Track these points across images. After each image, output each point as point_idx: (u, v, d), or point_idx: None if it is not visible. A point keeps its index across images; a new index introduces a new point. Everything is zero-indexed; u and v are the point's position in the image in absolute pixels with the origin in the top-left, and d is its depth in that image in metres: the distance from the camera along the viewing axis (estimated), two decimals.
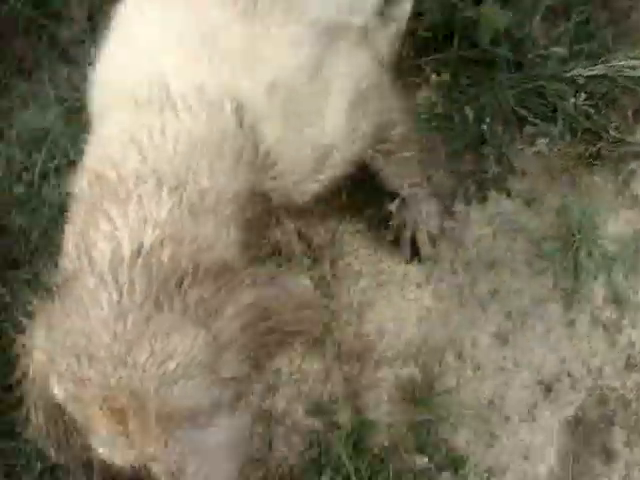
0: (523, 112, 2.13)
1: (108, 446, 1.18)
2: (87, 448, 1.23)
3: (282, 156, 1.37)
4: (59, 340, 1.15)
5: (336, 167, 1.52)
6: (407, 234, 2.03)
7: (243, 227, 1.27)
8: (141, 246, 1.15)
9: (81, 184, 1.26)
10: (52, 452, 1.37)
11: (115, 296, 1.12)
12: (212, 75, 1.29)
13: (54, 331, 1.17)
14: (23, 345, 1.25)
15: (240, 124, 1.29)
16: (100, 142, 1.32)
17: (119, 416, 1.13)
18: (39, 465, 1.87)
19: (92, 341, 1.11)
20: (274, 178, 1.37)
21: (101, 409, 1.13)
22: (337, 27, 1.44)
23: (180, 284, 1.14)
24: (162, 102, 1.26)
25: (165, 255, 1.15)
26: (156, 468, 1.15)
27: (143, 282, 1.13)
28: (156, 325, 1.12)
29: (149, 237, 1.16)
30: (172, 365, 1.11)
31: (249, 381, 1.22)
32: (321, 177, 1.50)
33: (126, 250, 1.15)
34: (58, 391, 1.17)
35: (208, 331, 1.14)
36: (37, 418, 1.31)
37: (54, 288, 1.24)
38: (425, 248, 2.03)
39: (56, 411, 1.25)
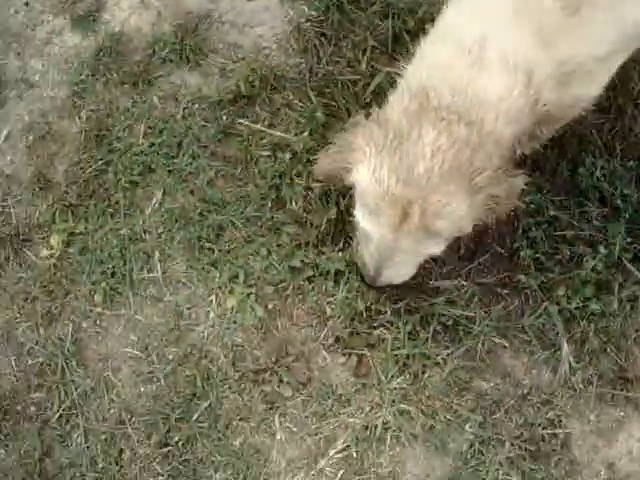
0: None
1: (377, 228, 1.87)
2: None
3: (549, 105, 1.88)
4: (384, 165, 1.80)
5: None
6: None
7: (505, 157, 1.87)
8: (452, 143, 1.77)
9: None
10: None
11: (429, 164, 1.76)
12: (518, 45, 1.77)
13: (382, 161, 1.81)
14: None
15: (528, 87, 1.78)
16: (425, 67, 1.88)
17: (401, 216, 1.79)
18: None
19: (409, 175, 1.77)
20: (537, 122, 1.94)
21: (394, 208, 1.79)
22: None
23: (470, 168, 1.77)
24: (476, 58, 1.77)
25: (467, 153, 1.76)
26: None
27: (449, 161, 1.76)
28: (449, 188, 1.77)
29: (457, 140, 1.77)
30: (446, 210, 1.79)
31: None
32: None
33: (444, 141, 1.77)
34: (366, 184, 1.84)
35: (471, 201, 1.81)
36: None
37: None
38: None
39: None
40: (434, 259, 2.30)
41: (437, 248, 1.93)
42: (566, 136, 2.43)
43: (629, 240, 2.34)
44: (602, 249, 2.32)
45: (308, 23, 2.55)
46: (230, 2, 2.59)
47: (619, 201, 2.39)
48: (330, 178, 2.09)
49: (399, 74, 1.95)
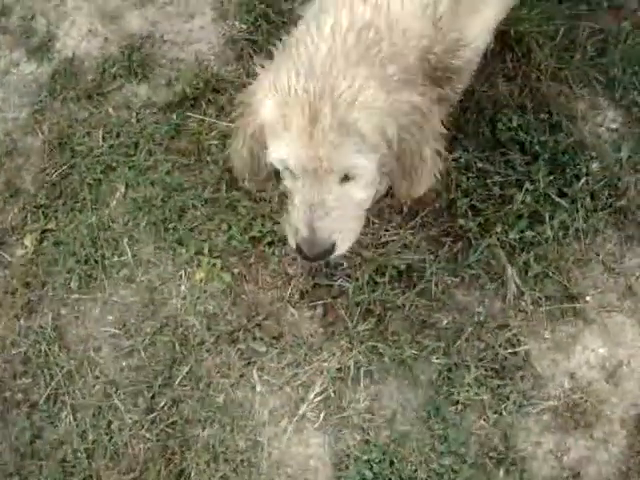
0: None
1: (290, 146, 1.75)
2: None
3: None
4: (282, 69, 1.76)
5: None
6: None
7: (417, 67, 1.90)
8: (355, 23, 1.75)
9: None
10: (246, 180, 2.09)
11: (331, 44, 1.72)
12: None
13: (280, 67, 1.79)
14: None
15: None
16: None
17: (311, 117, 1.69)
18: None
19: (310, 64, 1.71)
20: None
21: (301, 109, 1.69)
22: None
23: (378, 54, 1.75)
24: None
25: (371, 34, 1.75)
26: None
27: (352, 39, 1.73)
28: (358, 70, 1.71)
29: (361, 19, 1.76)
30: (361, 98, 1.71)
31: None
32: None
33: (345, 22, 1.75)
34: (270, 106, 1.78)
35: (387, 97, 1.75)
36: (240, 155, 1.97)
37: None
38: None
39: (253, 147, 1.90)
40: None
41: (364, 158, 1.80)
42: (482, 102, 2.73)
43: (551, 178, 2.60)
44: (528, 185, 2.58)
45: (240, 34, 2.86)
46: (169, 24, 2.91)
47: (537, 147, 2.67)
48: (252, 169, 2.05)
49: None
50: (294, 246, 1.98)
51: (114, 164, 2.64)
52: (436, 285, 2.52)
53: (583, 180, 2.60)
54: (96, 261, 2.51)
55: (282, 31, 2.79)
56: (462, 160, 2.65)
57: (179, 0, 2.96)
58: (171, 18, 2.93)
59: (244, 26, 2.87)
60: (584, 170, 2.62)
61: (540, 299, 2.49)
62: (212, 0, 2.96)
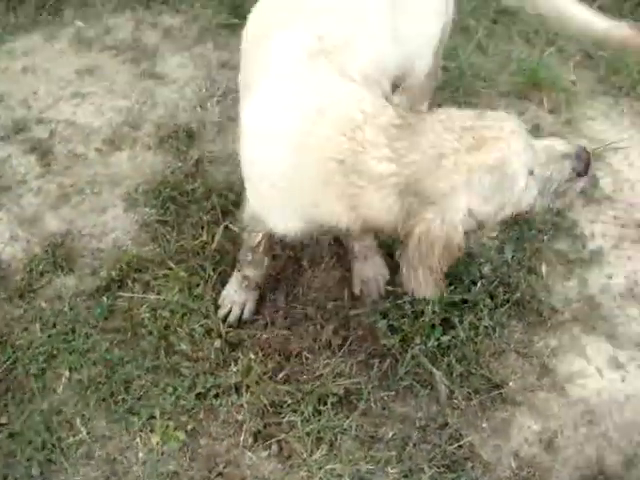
0: None
1: None
2: None
3: None
4: None
5: None
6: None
7: None
8: None
9: None
10: None
11: None
12: None
13: None
14: None
15: None
16: None
17: None
18: None
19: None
20: None
21: None
22: None
23: None
24: None
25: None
26: None
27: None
28: None
29: None
30: None
31: None
32: None
33: None
34: None
35: None
36: None
37: None
38: None
39: None
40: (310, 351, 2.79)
41: None
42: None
43: (452, 288, 2.92)
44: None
45: (152, 218, 3.14)
46: (84, 219, 3.16)
47: None
48: None
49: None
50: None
51: (55, 352, 2.77)
52: (375, 403, 2.72)
53: (479, 284, 2.94)
54: (53, 445, 2.58)
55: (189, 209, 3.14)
56: None
57: (91, 197, 3.23)
58: (86, 214, 3.18)
59: (154, 210, 3.16)
60: (478, 275, 2.96)
61: (470, 394, 2.73)
62: (121, 193, 3.25)
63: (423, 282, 2.13)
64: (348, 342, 2.87)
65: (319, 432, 2.63)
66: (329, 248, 3.14)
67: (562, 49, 3.95)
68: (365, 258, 3.00)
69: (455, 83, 3.64)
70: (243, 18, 3.84)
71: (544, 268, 3.06)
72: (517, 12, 4.11)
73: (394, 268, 2.94)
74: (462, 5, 3.99)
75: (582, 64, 3.92)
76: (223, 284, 2.97)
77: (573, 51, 3.96)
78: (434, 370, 2.75)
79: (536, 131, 3.48)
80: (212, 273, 2.98)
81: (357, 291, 3.01)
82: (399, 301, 2.91)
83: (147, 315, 2.86)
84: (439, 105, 3.31)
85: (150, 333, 2.83)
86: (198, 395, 2.70)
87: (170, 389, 2.70)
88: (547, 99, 3.66)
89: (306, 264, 3.12)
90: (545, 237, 3.15)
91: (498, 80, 3.75)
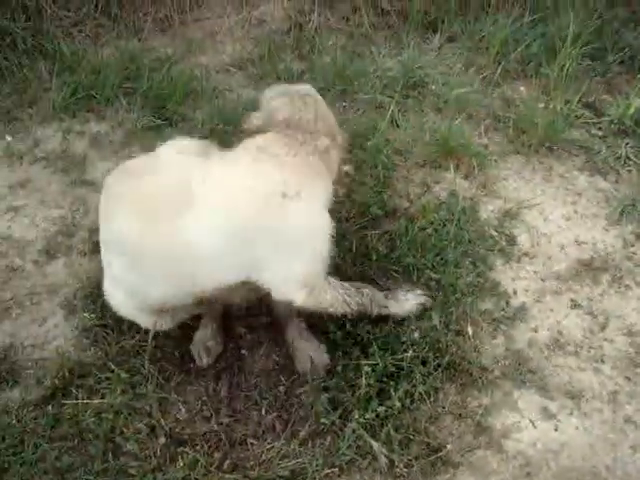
0: None
1: None
2: None
3: None
4: None
5: None
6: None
7: None
8: None
9: None
10: None
11: None
12: None
13: None
14: None
15: None
16: None
17: None
18: None
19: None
20: None
21: None
22: None
23: None
24: None
25: None
26: None
27: None
28: None
29: None
30: None
31: None
32: None
33: None
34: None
35: None
36: None
37: None
38: None
39: None
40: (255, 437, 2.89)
41: None
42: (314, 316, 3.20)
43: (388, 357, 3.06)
44: (367, 368, 3.01)
45: (91, 322, 3.24)
46: (26, 331, 3.24)
47: (368, 336, 3.14)
48: None
49: None
50: None
51: (6, 465, 2.82)
52: None
53: (411, 351, 3.06)
54: None
55: None
56: None
57: (31, 308, 3.33)
58: (27, 325, 3.27)
59: (93, 315, 3.26)
60: (409, 343, 3.09)
61: (410, 460, 2.83)
62: (60, 300, 3.35)
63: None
64: (290, 423, 2.97)
65: None
66: (266, 334, 3.26)
67: (471, 115, 4.17)
68: (301, 336, 3.14)
69: (373, 160, 3.81)
70: (166, 119, 4.11)
71: (470, 329, 3.21)
72: (426, 84, 4.35)
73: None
74: (374, 83, 4.25)
75: (492, 127, 4.15)
76: (165, 379, 3.08)
77: (482, 115, 4.19)
78: (372, 442, 2.85)
79: (453, 197, 3.69)
80: (152, 370, 3.08)
81: (305, 368, 3.12)
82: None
83: (92, 419, 2.94)
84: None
85: (97, 437, 2.90)
86: None
87: None
88: (461, 165, 3.85)
89: (246, 351, 3.23)
90: (469, 299, 3.30)
91: (413, 152, 3.94)
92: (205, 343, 3.19)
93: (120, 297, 2.99)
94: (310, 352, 3.13)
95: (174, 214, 2.67)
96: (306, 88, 3.03)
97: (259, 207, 2.67)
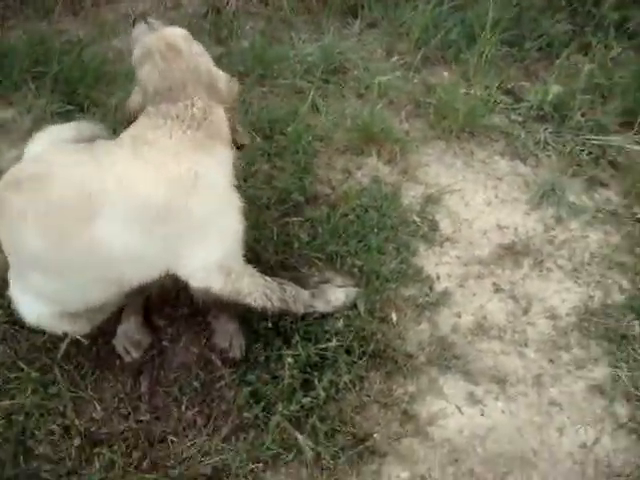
0: None
1: None
2: None
3: None
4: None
5: None
6: None
7: None
8: None
9: None
10: None
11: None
12: None
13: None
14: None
15: None
16: None
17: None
18: None
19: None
20: None
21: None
22: None
23: None
24: None
25: None
26: None
27: None
28: None
29: None
30: None
31: None
32: None
33: None
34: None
35: None
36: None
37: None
38: None
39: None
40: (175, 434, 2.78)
41: None
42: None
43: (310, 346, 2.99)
44: (290, 359, 2.93)
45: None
46: None
47: (291, 326, 3.07)
48: None
49: None
50: None
51: None
52: (245, 477, 2.73)
53: (335, 340, 3.00)
54: None
55: None
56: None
57: None
58: None
59: (1, 311, 3.08)
60: (333, 332, 3.03)
61: (337, 452, 2.77)
62: None
63: None
64: (212, 419, 2.87)
65: None
66: (186, 325, 3.15)
67: (393, 101, 4.13)
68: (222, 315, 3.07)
69: (293, 146, 3.73)
70: (77, 105, 3.92)
71: (395, 316, 3.16)
72: (347, 70, 4.29)
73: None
74: (295, 68, 4.16)
75: (413, 113, 4.11)
76: (81, 377, 2.93)
77: (404, 101, 4.16)
78: (297, 434, 2.78)
79: (375, 183, 3.64)
80: (66, 367, 2.93)
81: (224, 345, 3.04)
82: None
83: (2, 422, 2.78)
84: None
85: (6, 440, 2.74)
86: None
87: None
88: (383, 151, 3.81)
89: (167, 344, 3.11)
90: (393, 285, 3.25)
91: (335, 138, 3.87)
92: (132, 337, 3.05)
93: (33, 305, 2.80)
94: (229, 329, 3.05)
95: (84, 222, 2.51)
96: (171, 33, 2.74)
97: (161, 197, 2.53)
